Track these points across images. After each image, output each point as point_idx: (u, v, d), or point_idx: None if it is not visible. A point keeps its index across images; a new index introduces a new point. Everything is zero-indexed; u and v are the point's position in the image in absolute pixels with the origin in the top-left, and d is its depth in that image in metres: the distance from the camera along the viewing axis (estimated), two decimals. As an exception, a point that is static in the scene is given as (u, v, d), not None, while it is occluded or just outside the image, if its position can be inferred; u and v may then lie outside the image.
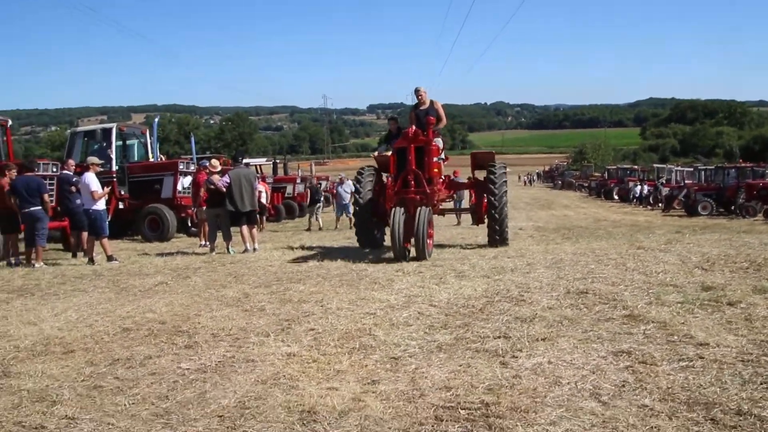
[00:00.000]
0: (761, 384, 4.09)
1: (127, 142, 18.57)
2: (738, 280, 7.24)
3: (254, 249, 12.23)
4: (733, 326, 5.42)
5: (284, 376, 4.69)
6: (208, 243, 12.99)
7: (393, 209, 9.90)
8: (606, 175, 52.51)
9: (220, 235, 12.66)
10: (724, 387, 4.07)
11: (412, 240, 9.76)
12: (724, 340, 5.02)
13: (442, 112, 11.62)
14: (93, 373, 4.88)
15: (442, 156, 11.64)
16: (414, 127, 10.69)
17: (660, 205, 32.95)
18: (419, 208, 9.70)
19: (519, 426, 3.65)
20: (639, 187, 39.06)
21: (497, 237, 11.21)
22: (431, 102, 11.67)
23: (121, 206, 17.25)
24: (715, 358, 4.61)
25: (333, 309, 6.64)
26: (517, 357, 4.84)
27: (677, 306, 6.12)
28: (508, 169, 11.82)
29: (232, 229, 12.74)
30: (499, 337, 5.34)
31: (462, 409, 3.93)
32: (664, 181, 37.29)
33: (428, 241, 9.81)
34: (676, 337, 5.17)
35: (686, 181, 33.17)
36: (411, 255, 9.88)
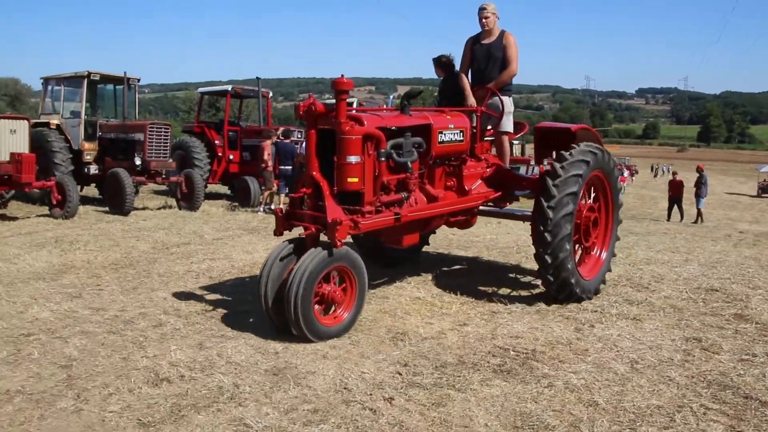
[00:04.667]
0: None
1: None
2: None
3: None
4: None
5: (401, 310, 6.06)
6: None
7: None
8: None
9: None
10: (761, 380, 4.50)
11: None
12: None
13: (514, 51, 6.98)
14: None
15: (507, 125, 7.10)
16: (311, 97, 5.59)
17: None
18: (311, 249, 5.16)
19: (546, 368, 4.62)
20: None
21: (550, 281, 6.23)
22: (502, 33, 7.05)
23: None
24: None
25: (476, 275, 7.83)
26: (594, 326, 5.63)
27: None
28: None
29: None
30: (595, 311, 6.09)
31: (513, 351, 4.98)
32: None
33: (341, 310, 5.37)
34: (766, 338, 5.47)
35: None
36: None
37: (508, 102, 7.05)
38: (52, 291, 6.70)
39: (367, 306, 6.16)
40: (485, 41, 7.12)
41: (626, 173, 34.98)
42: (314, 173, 5.50)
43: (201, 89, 21.54)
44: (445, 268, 8.11)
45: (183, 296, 6.55)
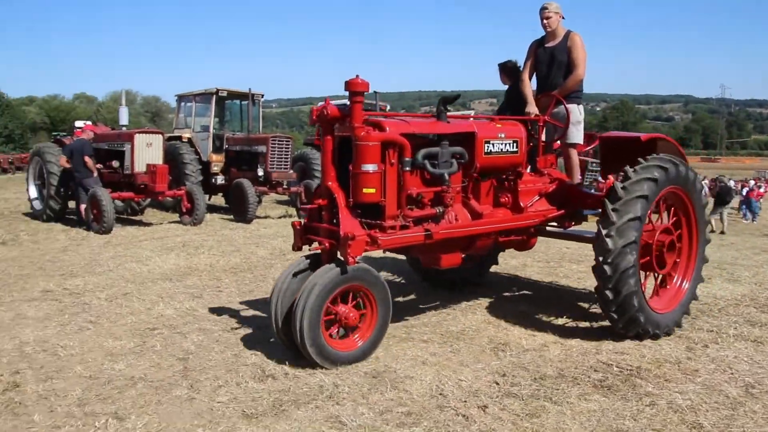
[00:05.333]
0: None
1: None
2: None
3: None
4: None
5: (505, 321, 6.06)
6: None
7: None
8: None
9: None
10: None
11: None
12: None
13: (580, 53, 6.37)
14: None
15: (576, 136, 6.49)
16: (329, 102, 5.12)
17: None
18: (323, 267, 4.84)
19: (650, 386, 4.46)
20: None
21: (615, 319, 5.43)
22: (567, 34, 6.48)
23: None
24: None
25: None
26: (708, 347, 5.35)
27: None
28: (706, 181, 7.36)
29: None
30: (711, 331, 5.78)
31: (616, 367, 4.84)
32: None
33: (357, 336, 5.00)
34: None
35: None
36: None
37: (575, 110, 6.43)
38: (177, 291, 7.22)
39: (471, 315, 6.23)
40: (549, 44, 6.58)
41: (764, 187, 32.50)
42: (330, 183, 5.08)
43: (321, 104, 22.32)
44: (553, 281, 7.97)
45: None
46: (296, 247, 5.34)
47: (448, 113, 5.61)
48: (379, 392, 4.31)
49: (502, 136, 5.82)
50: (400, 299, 6.79)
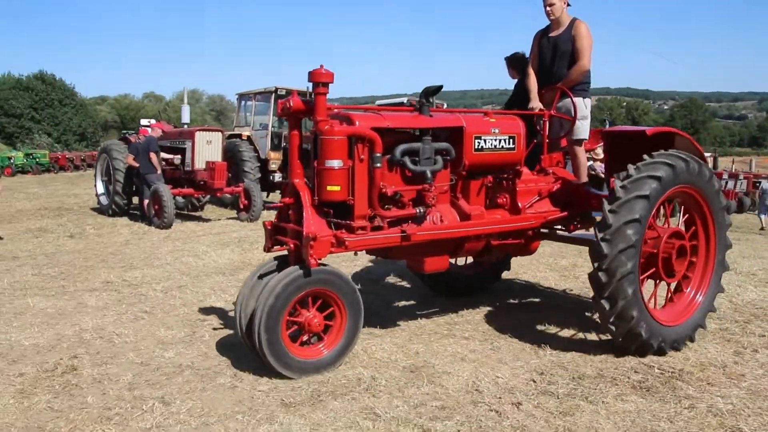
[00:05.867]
0: None
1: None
2: None
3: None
4: None
5: (548, 320, 6.03)
6: None
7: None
8: None
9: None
10: None
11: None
12: None
13: (585, 41, 5.94)
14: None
15: (582, 131, 6.06)
16: (296, 94, 4.99)
17: None
18: (286, 269, 4.62)
19: (690, 389, 4.40)
20: None
21: (613, 331, 4.96)
22: (573, 22, 6.04)
23: None
24: None
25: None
26: (758, 351, 5.21)
27: None
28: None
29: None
30: (763, 336, 5.62)
31: (658, 369, 4.78)
32: None
33: (322, 344, 4.75)
34: None
35: None
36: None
37: (581, 104, 5.99)
38: (229, 284, 7.46)
39: (515, 314, 6.25)
40: (553, 34, 6.13)
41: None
42: (296, 181, 4.87)
43: (378, 102, 22.54)
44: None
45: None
46: (266, 249, 5.02)
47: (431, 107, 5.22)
48: (415, 386, 4.39)
49: (496, 131, 5.42)
50: (442, 298, 6.82)
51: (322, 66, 4.62)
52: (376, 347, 5.22)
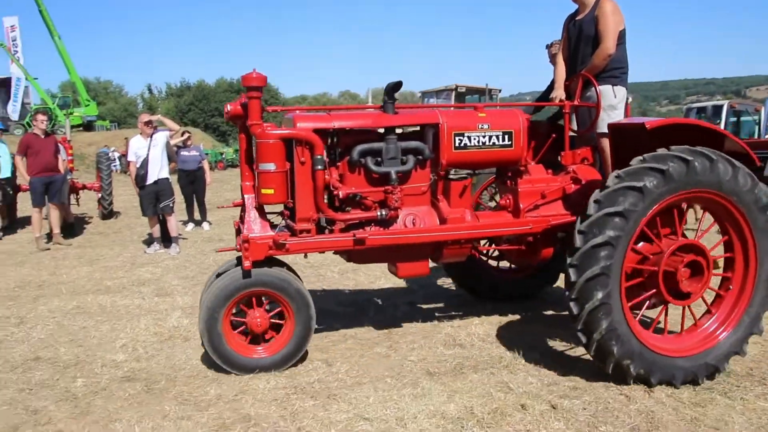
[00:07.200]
0: None
1: (741, 119, 19.07)
2: None
3: None
4: None
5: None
6: None
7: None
8: None
9: None
10: None
11: None
12: None
13: (609, 22, 5.16)
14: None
15: (606, 123, 5.12)
16: (243, 99, 4.83)
17: None
18: (231, 270, 4.83)
19: (738, 389, 4.33)
20: None
21: (583, 343, 4.30)
22: (596, 3, 5.32)
23: None
24: None
25: None
26: None
27: None
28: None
29: None
30: None
31: None
32: None
33: (268, 345, 4.77)
34: None
35: None
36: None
37: (609, 92, 5.27)
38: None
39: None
40: (579, 17, 5.50)
41: None
42: (244, 183, 4.92)
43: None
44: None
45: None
46: (237, 248, 4.89)
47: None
48: (553, 368, 4.68)
49: (485, 127, 4.96)
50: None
51: (254, 70, 4.55)
52: (523, 329, 5.59)
